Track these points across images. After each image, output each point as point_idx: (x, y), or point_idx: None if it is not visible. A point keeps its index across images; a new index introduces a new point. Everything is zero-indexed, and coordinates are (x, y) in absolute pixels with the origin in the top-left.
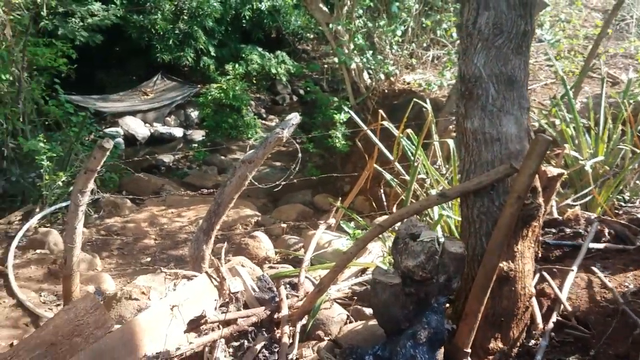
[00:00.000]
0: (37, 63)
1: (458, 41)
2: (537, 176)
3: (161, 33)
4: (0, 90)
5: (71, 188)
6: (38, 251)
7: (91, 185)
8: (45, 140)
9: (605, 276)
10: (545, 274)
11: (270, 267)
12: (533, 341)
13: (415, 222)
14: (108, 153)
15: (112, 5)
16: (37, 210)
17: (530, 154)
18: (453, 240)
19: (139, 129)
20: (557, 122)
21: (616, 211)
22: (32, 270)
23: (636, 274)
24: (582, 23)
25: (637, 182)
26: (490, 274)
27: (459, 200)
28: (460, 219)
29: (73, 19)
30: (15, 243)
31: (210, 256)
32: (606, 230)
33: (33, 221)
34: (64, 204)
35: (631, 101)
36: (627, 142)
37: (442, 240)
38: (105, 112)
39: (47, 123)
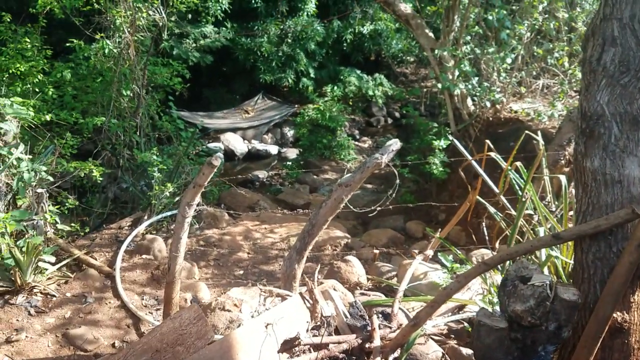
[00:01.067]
0: (155, 81)
1: (570, 71)
2: None
3: (266, 55)
4: (120, 105)
5: (177, 198)
6: (144, 256)
7: (198, 198)
8: (157, 153)
9: None
10: None
11: (362, 294)
12: None
13: (526, 264)
14: (215, 170)
15: (223, 29)
16: (145, 217)
17: None
18: (567, 286)
19: (238, 145)
20: None
21: None
22: (137, 274)
23: None
24: None
25: None
26: (602, 324)
27: (570, 242)
28: (570, 261)
29: (187, 40)
30: (124, 247)
31: (303, 275)
32: None
33: (141, 228)
34: (169, 213)
35: None
36: None
37: (554, 285)
38: (210, 128)
39: (159, 137)
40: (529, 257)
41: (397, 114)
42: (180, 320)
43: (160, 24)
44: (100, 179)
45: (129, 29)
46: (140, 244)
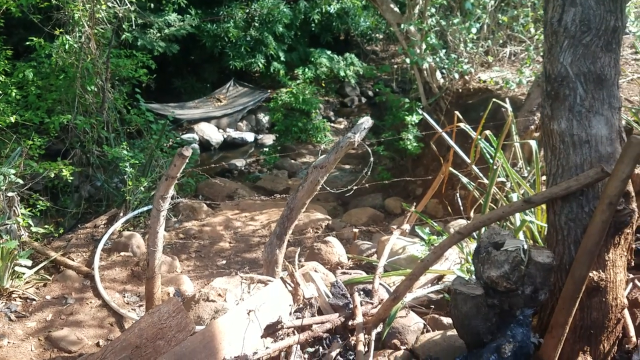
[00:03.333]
0: (119, 74)
1: (536, 37)
2: (630, 180)
3: (233, 40)
4: (86, 101)
5: (152, 193)
6: (122, 254)
7: (171, 191)
8: (127, 148)
9: None
10: (638, 283)
11: (343, 273)
12: (625, 355)
13: (498, 230)
14: (187, 160)
15: (188, 16)
16: (121, 214)
17: (623, 156)
18: (540, 249)
19: (213, 134)
20: None
21: None
22: (116, 272)
23: None
24: None
25: None
26: (579, 284)
27: (543, 205)
28: (544, 224)
29: (151, 30)
30: (100, 246)
31: (283, 260)
32: None
33: (117, 225)
34: (145, 209)
35: None
36: None
37: (527, 249)
38: (182, 119)
39: (129, 131)
40: (505, 223)
41: (370, 93)
42: (159, 314)
43: (121, 15)
44: (71, 178)
45: (88, 23)
46: (118, 242)
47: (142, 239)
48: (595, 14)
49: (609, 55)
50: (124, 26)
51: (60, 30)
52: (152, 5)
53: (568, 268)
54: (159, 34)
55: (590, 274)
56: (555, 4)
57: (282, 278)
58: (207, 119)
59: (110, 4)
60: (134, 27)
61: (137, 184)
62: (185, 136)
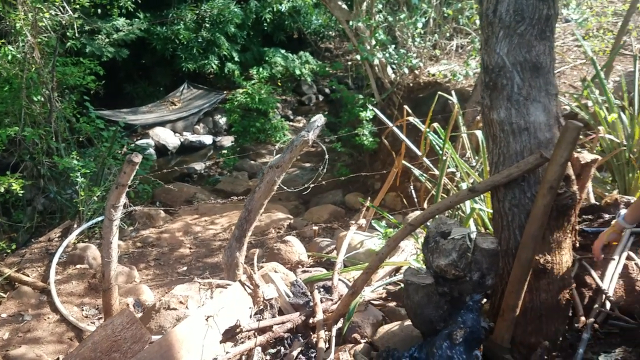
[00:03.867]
0: (67, 82)
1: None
2: (569, 164)
3: (185, 42)
4: (33, 111)
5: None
6: (78, 266)
7: (123, 199)
8: (78, 157)
9: None
10: (585, 263)
11: (304, 272)
12: (576, 334)
13: (445, 220)
14: (137, 167)
15: (136, 20)
16: (75, 226)
17: (561, 141)
18: (485, 235)
19: (169, 138)
20: (590, 104)
21: None
22: (73, 285)
23: None
24: None
25: None
26: (526, 268)
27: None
28: (493, 212)
29: (99, 36)
30: (55, 259)
31: (242, 264)
32: None
33: (71, 237)
34: (99, 219)
35: None
36: None
37: (473, 236)
38: (136, 124)
39: (80, 140)
40: (457, 212)
41: (327, 90)
42: (113, 326)
43: (65, 22)
44: (22, 192)
45: (31, 32)
46: (73, 254)
47: (98, 250)
48: (528, 3)
49: (544, 44)
50: (68, 33)
51: (2, 40)
52: (98, 10)
53: (515, 252)
54: (107, 40)
55: (536, 257)
56: None
57: (240, 281)
58: (162, 123)
59: (53, 12)
60: (80, 34)
61: (90, 194)
62: (140, 142)
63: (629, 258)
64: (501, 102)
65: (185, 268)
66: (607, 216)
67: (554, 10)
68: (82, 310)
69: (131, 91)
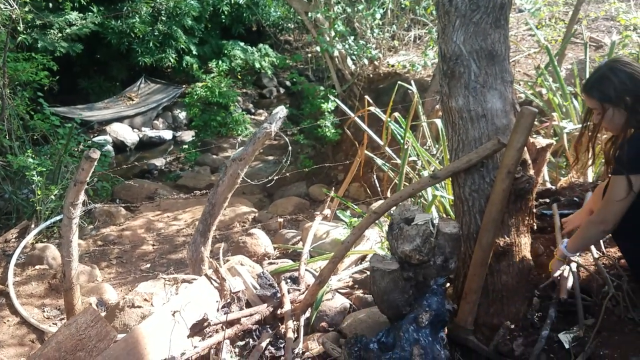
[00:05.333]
0: (19, 78)
1: None
2: (525, 149)
3: (140, 36)
4: None
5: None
6: (37, 267)
7: (82, 196)
8: (33, 156)
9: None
10: (541, 246)
11: (270, 263)
12: (536, 314)
13: (408, 206)
14: (95, 163)
15: (90, 13)
16: (32, 226)
17: (517, 127)
18: (447, 220)
19: (128, 134)
20: (544, 91)
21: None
22: (33, 286)
23: None
24: None
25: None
26: (486, 250)
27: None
28: (454, 197)
29: (52, 31)
30: (13, 261)
31: (208, 258)
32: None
33: (29, 238)
34: (57, 218)
35: None
36: None
37: (436, 221)
38: (92, 121)
39: (34, 138)
40: (420, 200)
41: (288, 83)
42: (77, 325)
43: (15, 17)
44: None
45: None
46: (32, 255)
47: (58, 249)
48: None
49: (499, 32)
50: (19, 28)
51: None
52: (50, 4)
53: (476, 236)
54: (60, 34)
55: (497, 240)
56: None
57: (206, 275)
58: (120, 119)
59: (2, 6)
60: (31, 29)
61: (47, 193)
62: (97, 138)
63: None
64: (459, 90)
65: (148, 265)
66: (562, 199)
67: None
68: (44, 311)
69: (87, 87)
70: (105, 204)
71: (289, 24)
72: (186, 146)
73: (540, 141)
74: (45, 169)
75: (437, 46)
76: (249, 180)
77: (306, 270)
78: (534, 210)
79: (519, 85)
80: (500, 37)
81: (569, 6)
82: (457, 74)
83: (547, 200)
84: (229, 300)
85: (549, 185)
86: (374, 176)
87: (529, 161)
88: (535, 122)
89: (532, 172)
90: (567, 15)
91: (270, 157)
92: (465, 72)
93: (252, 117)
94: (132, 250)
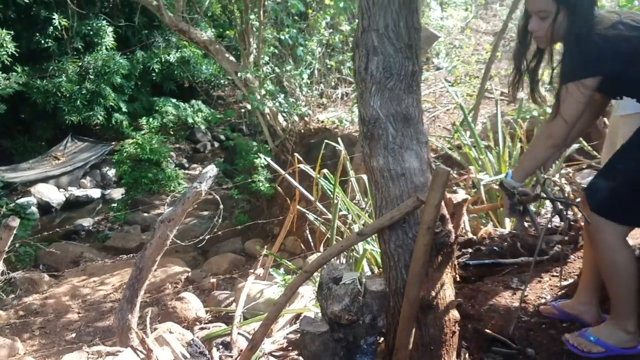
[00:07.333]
0: None
1: None
2: (443, 204)
3: (67, 95)
4: None
5: None
6: None
7: (1, 265)
8: None
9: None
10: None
11: (202, 329)
12: None
13: (336, 265)
14: (15, 231)
15: (14, 74)
16: None
17: (433, 185)
18: (373, 278)
19: (53, 195)
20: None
21: (527, 223)
22: None
23: (551, 285)
24: (475, 47)
25: (542, 194)
26: (414, 305)
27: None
28: (381, 253)
29: None
30: None
31: (134, 328)
32: (518, 244)
33: None
34: None
35: (527, 117)
36: None
37: (364, 280)
38: (16, 182)
39: None
40: (351, 254)
41: (222, 137)
42: None
43: None
44: None
45: None
46: None
47: None
48: (395, 61)
49: (412, 97)
50: None
51: None
52: None
53: (403, 291)
54: None
55: (422, 294)
56: (360, 54)
57: (132, 346)
58: (45, 179)
59: None
60: None
61: None
62: (21, 200)
63: (509, 287)
64: (379, 151)
65: (74, 335)
66: (483, 248)
67: (417, 66)
68: None
69: (9, 147)
70: (28, 270)
71: (221, 80)
72: (115, 205)
73: (457, 196)
74: None
75: None
76: (178, 242)
77: (239, 333)
78: (456, 262)
79: (439, 140)
80: (414, 102)
81: (483, 64)
82: (376, 135)
83: (470, 251)
84: None
85: (470, 236)
86: (307, 231)
87: (447, 216)
88: (455, 175)
89: (450, 226)
90: (480, 72)
91: (205, 212)
92: (384, 134)
93: (186, 171)
94: (56, 320)
